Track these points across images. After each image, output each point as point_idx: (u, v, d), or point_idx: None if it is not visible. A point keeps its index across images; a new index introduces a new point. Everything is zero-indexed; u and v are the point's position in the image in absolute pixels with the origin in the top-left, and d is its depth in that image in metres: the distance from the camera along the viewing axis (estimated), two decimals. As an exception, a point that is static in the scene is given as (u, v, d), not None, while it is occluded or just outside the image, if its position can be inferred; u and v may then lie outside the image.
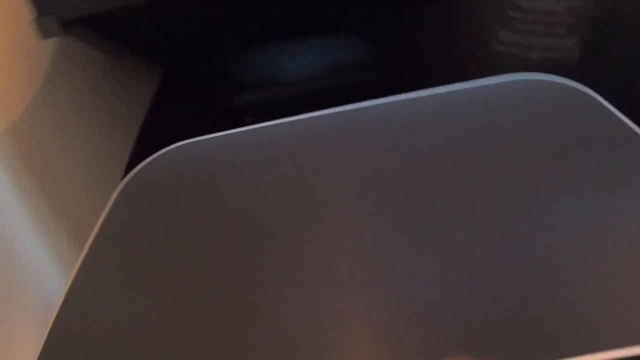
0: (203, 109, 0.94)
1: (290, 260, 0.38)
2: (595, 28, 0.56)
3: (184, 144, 0.52)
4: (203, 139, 0.52)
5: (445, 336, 0.31)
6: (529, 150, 0.43)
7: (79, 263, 0.41)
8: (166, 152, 0.51)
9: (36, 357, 0.44)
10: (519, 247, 0.35)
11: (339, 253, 0.38)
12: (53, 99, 0.61)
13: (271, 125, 0.52)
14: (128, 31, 0.67)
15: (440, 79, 0.64)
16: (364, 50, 0.99)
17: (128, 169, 0.75)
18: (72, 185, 0.63)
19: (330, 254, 0.38)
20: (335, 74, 1.00)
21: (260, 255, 0.38)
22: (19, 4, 0.56)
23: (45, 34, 0.50)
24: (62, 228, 0.59)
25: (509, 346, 0.30)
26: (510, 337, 0.30)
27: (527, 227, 0.36)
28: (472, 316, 0.32)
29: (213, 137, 0.52)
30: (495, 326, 0.31)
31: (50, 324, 0.39)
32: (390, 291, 0.34)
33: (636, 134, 0.43)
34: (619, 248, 0.35)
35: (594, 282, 0.33)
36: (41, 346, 0.36)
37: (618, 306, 0.31)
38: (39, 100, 0.58)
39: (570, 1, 0.54)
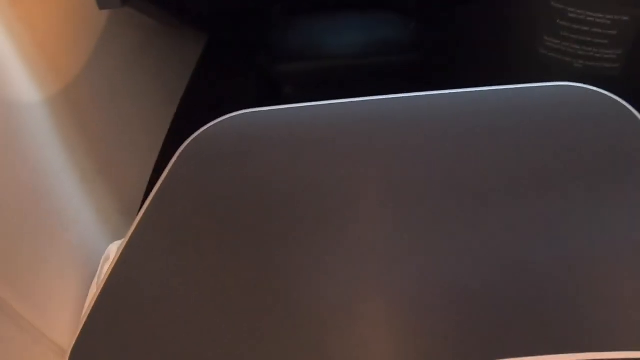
0: (244, 76, 0.96)
1: (326, 231, 0.41)
2: (638, 42, 0.56)
3: (241, 114, 0.55)
4: (259, 111, 0.55)
5: (454, 318, 0.34)
6: (555, 155, 0.45)
7: (139, 216, 0.45)
8: (225, 119, 0.54)
9: (85, 303, 0.49)
10: (532, 246, 0.38)
11: (371, 234, 0.41)
12: (104, 62, 0.64)
13: (322, 105, 0.54)
14: (182, 2, 0.69)
15: (479, 72, 0.65)
16: (407, 33, 1.00)
17: (172, 130, 0.78)
18: (117, 146, 0.66)
19: (362, 232, 0.41)
20: (377, 53, 1.00)
21: (300, 225, 0.42)
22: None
23: (103, 5, 0.52)
24: (107, 186, 0.62)
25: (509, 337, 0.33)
26: (515, 329, 0.33)
27: (543, 233, 0.39)
28: (483, 303, 0.35)
29: (269, 110, 0.55)
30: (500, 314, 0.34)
31: (101, 273, 0.43)
32: (414, 273, 0.37)
33: None
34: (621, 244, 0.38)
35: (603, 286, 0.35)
36: (98, 292, 0.40)
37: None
38: (91, 64, 0.61)
39: (617, 15, 0.54)
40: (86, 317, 0.38)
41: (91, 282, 0.55)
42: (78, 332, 0.37)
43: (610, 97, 0.49)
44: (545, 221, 0.40)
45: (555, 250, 0.38)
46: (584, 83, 0.54)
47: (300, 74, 1.05)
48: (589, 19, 0.55)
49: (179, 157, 0.51)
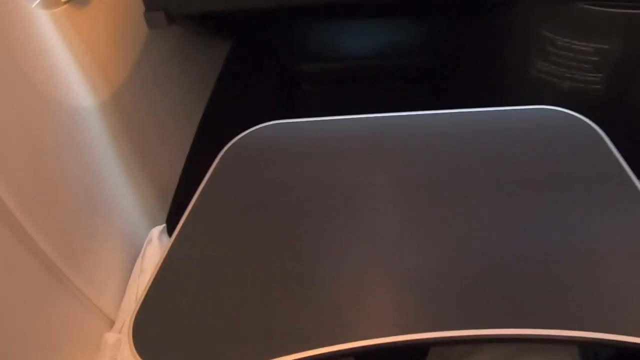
0: (267, 75, 1.04)
1: (344, 225, 0.51)
2: (618, 67, 0.63)
3: (273, 124, 0.64)
4: (288, 122, 0.64)
5: (449, 297, 0.43)
6: (530, 169, 0.54)
7: (189, 207, 0.53)
8: (259, 128, 0.63)
9: (129, 279, 0.57)
10: (513, 238, 0.47)
11: (381, 224, 0.50)
12: (145, 70, 0.72)
13: (341, 120, 0.64)
14: (221, 20, 0.77)
15: (481, 81, 0.73)
16: (417, 38, 1.07)
17: (201, 127, 0.87)
18: (155, 143, 0.74)
19: (374, 223, 0.51)
20: (390, 56, 1.08)
21: (323, 218, 0.52)
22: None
23: (152, 25, 0.60)
24: (146, 179, 0.71)
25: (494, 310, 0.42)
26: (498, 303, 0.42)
27: (519, 226, 0.49)
28: (476, 282, 0.44)
29: (296, 122, 0.64)
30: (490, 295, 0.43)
31: (144, 253, 0.50)
32: (416, 256, 0.47)
33: (624, 171, 0.53)
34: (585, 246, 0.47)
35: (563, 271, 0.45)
36: (153, 275, 0.48)
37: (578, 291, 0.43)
38: (135, 72, 0.69)
39: (598, 44, 0.62)
40: (147, 290, 0.46)
41: (134, 260, 0.64)
42: (139, 303, 0.45)
43: (581, 119, 0.58)
44: (517, 219, 0.49)
45: (526, 241, 0.47)
46: (570, 101, 0.62)
47: (319, 74, 1.13)
48: (574, 46, 0.63)
49: (220, 159, 0.60)
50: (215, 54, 0.99)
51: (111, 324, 0.60)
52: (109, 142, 0.64)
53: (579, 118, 0.58)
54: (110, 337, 0.57)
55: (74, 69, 0.59)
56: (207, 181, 0.57)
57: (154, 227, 0.68)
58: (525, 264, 0.45)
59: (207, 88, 0.93)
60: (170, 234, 0.64)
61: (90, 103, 0.61)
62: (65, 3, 0.56)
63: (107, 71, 0.64)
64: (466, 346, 0.50)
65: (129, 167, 0.67)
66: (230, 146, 0.61)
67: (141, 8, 0.64)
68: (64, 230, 0.55)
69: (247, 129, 0.64)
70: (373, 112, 0.64)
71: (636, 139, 0.66)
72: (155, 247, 0.64)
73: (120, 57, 0.67)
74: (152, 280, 0.46)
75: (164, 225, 0.68)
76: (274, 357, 0.40)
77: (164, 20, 0.61)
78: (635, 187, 0.51)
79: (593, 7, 0.59)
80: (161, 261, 0.48)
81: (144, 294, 0.45)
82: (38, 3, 0.53)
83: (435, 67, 1.03)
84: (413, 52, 1.09)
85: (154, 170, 0.72)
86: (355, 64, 1.10)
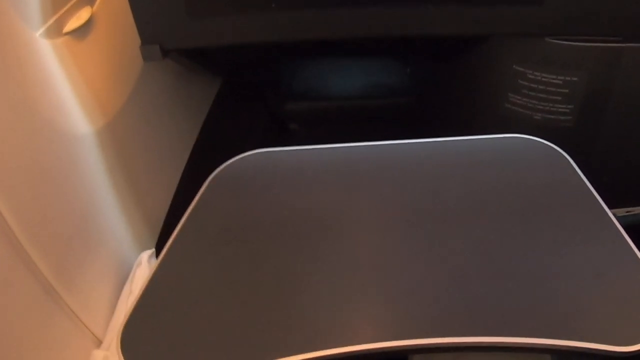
0: (255, 113, 1.08)
1: (326, 247, 0.53)
2: (587, 98, 0.68)
3: (259, 152, 0.67)
4: (274, 150, 0.67)
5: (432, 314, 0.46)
6: (502, 194, 0.58)
7: (176, 230, 0.56)
8: (246, 155, 0.66)
9: (118, 300, 0.59)
10: (488, 257, 0.51)
11: (362, 246, 0.53)
12: (140, 101, 0.75)
13: (326, 148, 0.67)
14: (212, 55, 0.81)
15: (459, 116, 0.77)
16: (401, 78, 1.12)
17: (191, 159, 0.89)
18: (147, 171, 0.77)
19: (355, 245, 0.54)
20: (374, 95, 1.13)
21: (306, 241, 0.54)
22: (118, 33, 0.71)
23: (148, 58, 0.64)
24: (138, 205, 0.72)
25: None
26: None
27: (493, 246, 0.52)
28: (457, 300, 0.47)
29: (282, 150, 0.67)
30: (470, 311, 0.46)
31: (133, 276, 0.53)
32: (394, 273, 0.50)
33: (590, 192, 0.56)
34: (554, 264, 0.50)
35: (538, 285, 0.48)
36: (144, 287, 0.50)
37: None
38: (130, 103, 0.72)
39: (567, 76, 0.66)
40: (132, 309, 0.49)
41: (124, 282, 0.65)
42: (126, 319, 0.48)
43: (550, 146, 0.61)
44: (492, 240, 0.52)
45: (500, 259, 0.51)
46: (543, 132, 0.66)
47: (305, 113, 1.17)
48: (544, 79, 0.67)
49: (207, 186, 0.62)
50: (207, 89, 1.03)
51: (99, 343, 0.61)
52: (103, 169, 0.66)
53: (548, 145, 0.61)
54: (98, 354, 0.58)
55: (71, 97, 0.62)
56: (194, 207, 0.59)
57: (143, 251, 0.69)
58: (500, 280, 0.48)
59: (198, 122, 0.97)
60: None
61: (86, 131, 0.63)
62: (66, 34, 0.59)
63: (103, 101, 0.67)
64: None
65: (121, 194, 0.69)
66: (217, 174, 0.64)
67: (137, 41, 0.67)
68: (59, 251, 0.57)
69: (235, 159, 0.67)
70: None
71: (605, 165, 0.69)
72: (145, 270, 0.66)
73: (116, 87, 0.70)
74: (140, 293, 0.49)
75: (153, 249, 0.70)
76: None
77: (159, 53, 0.64)
78: (599, 207, 0.54)
79: (558, 42, 0.64)
80: (149, 277, 0.51)
81: (132, 308, 0.48)
82: (41, 33, 0.56)
83: (417, 106, 1.08)
84: (398, 92, 1.13)
85: (145, 197, 0.74)
86: (341, 104, 1.14)
